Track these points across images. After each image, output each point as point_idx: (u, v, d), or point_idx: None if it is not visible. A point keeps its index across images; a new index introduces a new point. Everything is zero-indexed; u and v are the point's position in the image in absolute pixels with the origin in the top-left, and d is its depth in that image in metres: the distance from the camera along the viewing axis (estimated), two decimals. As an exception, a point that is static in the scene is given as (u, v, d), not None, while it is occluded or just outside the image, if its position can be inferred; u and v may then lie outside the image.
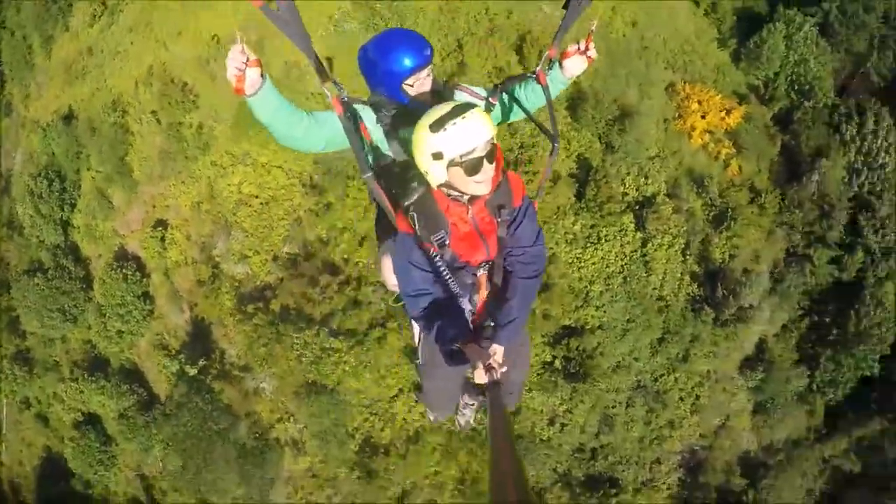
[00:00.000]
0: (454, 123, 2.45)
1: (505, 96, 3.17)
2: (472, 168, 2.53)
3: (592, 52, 2.95)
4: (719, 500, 15.41)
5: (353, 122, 2.78)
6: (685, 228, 14.27)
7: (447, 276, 2.89)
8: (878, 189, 16.48)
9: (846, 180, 16.49)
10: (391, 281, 3.15)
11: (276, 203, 13.29)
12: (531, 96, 3.17)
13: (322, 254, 12.99)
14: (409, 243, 2.80)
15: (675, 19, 16.68)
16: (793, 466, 16.43)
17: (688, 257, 14.41)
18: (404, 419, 13.10)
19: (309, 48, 2.29)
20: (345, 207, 12.93)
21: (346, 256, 12.95)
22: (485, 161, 2.53)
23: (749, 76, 17.17)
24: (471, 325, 3.06)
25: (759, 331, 15.53)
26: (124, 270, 14.27)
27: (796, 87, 17.34)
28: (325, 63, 2.52)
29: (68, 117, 15.84)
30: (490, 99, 3.11)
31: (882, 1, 18.74)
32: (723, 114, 15.69)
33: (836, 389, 16.38)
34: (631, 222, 13.74)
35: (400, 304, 3.19)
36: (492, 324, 2.99)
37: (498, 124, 3.00)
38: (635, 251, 13.76)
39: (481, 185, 2.61)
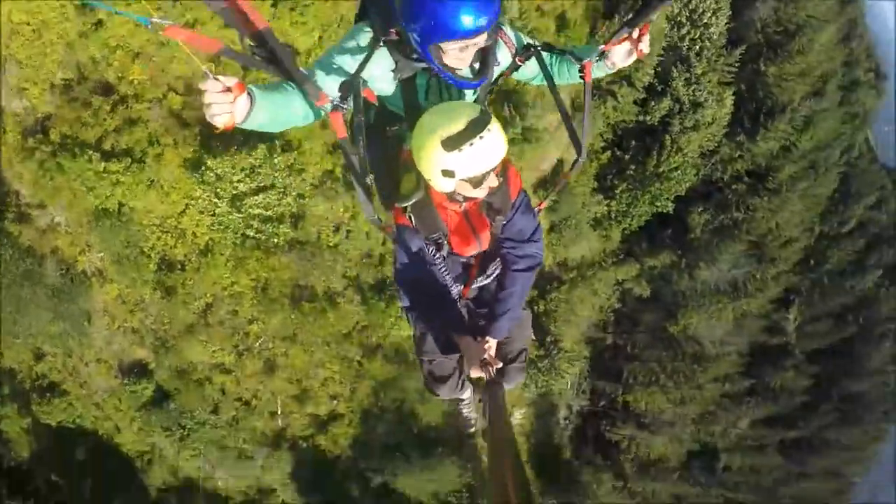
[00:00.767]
0: (471, 145, 2.35)
1: (535, 63, 2.85)
2: (479, 182, 2.52)
3: (645, 46, 2.61)
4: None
5: (358, 142, 2.52)
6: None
7: (443, 270, 2.93)
8: (697, 47, 17.46)
9: (666, 33, 17.47)
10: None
11: (48, 28, 13.36)
12: (563, 74, 2.95)
13: (95, 75, 13.33)
14: (409, 234, 2.82)
15: None
16: (585, 284, 18.33)
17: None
18: (193, 233, 13.97)
19: (297, 72, 2.03)
20: (115, 24, 13.09)
21: (120, 75, 13.29)
22: (492, 173, 2.52)
23: None
24: (464, 317, 3.10)
25: (554, 155, 16.94)
26: None
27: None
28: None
29: None
30: (518, 59, 2.84)
31: None
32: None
33: (630, 220, 18.13)
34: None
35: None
36: (483, 320, 3.03)
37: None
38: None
39: (483, 190, 2.62)
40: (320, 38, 12.86)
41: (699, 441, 24.16)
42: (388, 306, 14.90)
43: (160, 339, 14.90)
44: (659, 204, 17.08)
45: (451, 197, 2.72)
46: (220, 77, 1.93)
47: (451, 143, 2.36)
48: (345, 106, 2.36)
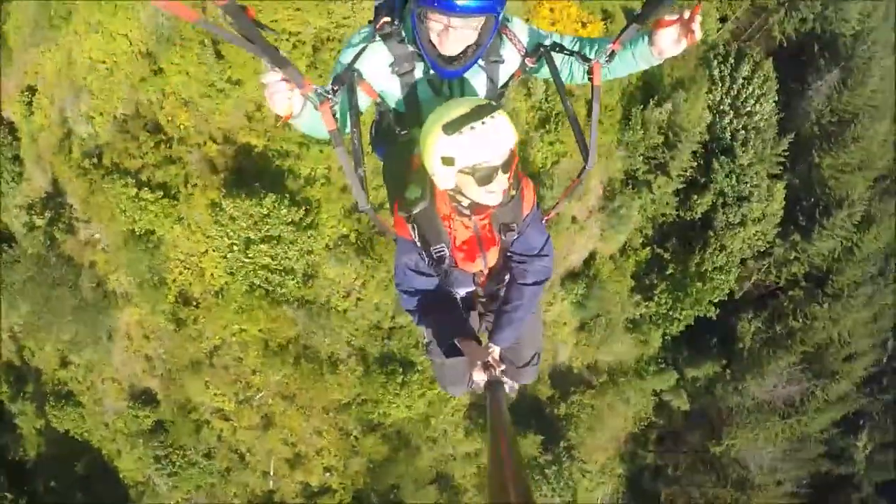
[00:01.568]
0: (472, 128, 2.23)
1: (545, 63, 2.70)
2: (485, 179, 2.35)
3: (697, 30, 2.30)
4: (521, 402, 15.94)
5: (350, 136, 2.52)
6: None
7: (443, 280, 2.87)
8: (742, 136, 16.50)
9: (708, 122, 16.51)
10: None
11: (118, 68, 14.69)
12: (579, 75, 2.78)
13: (149, 114, 14.29)
14: (408, 247, 2.76)
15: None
16: (616, 391, 16.79)
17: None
18: (211, 274, 14.25)
19: (275, 53, 1.93)
20: (172, 72, 14.10)
21: (169, 118, 14.19)
22: (500, 171, 2.35)
23: (621, -6, 17.12)
24: (466, 319, 3.06)
25: (585, 244, 15.92)
26: (-1, 136, 15.81)
27: (673, 17, 17.39)
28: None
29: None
30: (527, 60, 2.71)
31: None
32: (577, 25, 16.02)
33: (671, 324, 16.65)
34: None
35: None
36: (488, 326, 3.00)
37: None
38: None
39: (492, 195, 2.44)
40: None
41: None
42: (387, 381, 14.25)
43: (169, 371, 15.06)
44: (702, 308, 15.32)
45: (459, 208, 2.57)
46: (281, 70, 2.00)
47: (452, 126, 2.23)
48: (330, 96, 2.28)
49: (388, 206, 3.11)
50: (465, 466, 16.08)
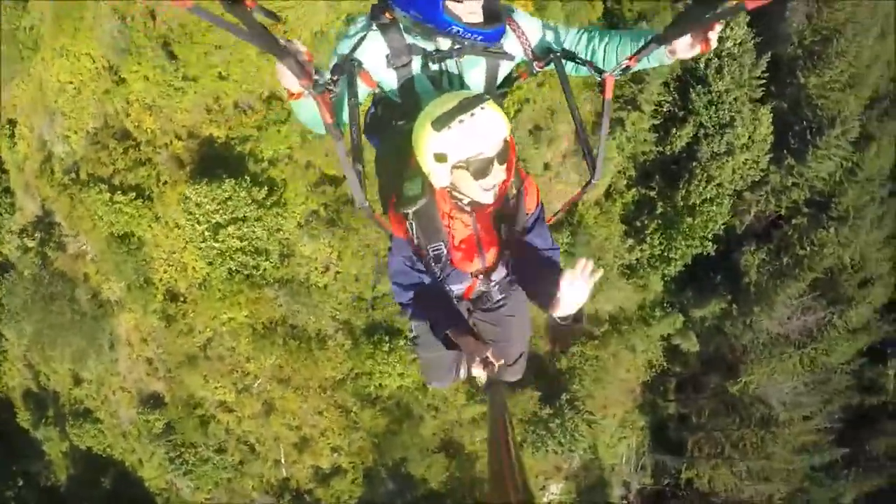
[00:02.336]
0: (461, 121, 2.22)
1: (553, 66, 2.67)
2: (480, 171, 2.34)
3: (714, 38, 2.22)
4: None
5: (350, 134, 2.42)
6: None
7: (440, 276, 2.84)
8: (714, 64, 16.13)
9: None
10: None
11: (85, 85, 15.33)
12: (581, 68, 2.72)
13: (116, 124, 14.86)
14: (404, 246, 2.74)
15: None
16: (620, 340, 16.47)
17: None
18: (193, 268, 14.61)
19: (274, 43, 1.87)
20: (134, 80, 14.61)
21: (136, 124, 14.70)
22: (495, 163, 2.33)
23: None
24: (462, 315, 3.04)
25: (564, 192, 15.69)
26: (-15, 171, 16.81)
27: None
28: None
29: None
30: (536, 64, 2.68)
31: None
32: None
33: (668, 265, 16.29)
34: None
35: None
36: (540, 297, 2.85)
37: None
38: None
39: (489, 192, 2.44)
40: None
41: None
42: (375, 351, 14.31)
43: (169, 371, 15.44)
44: (695, 243, 14.85)
45: (458, 202, 2.56)
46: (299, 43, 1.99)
47: (441, 122, 2.23)
48: (331, 87, 2.20)
49: (378, 197, 3.09)
50: (472, 432, 15.93)
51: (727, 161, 15.88)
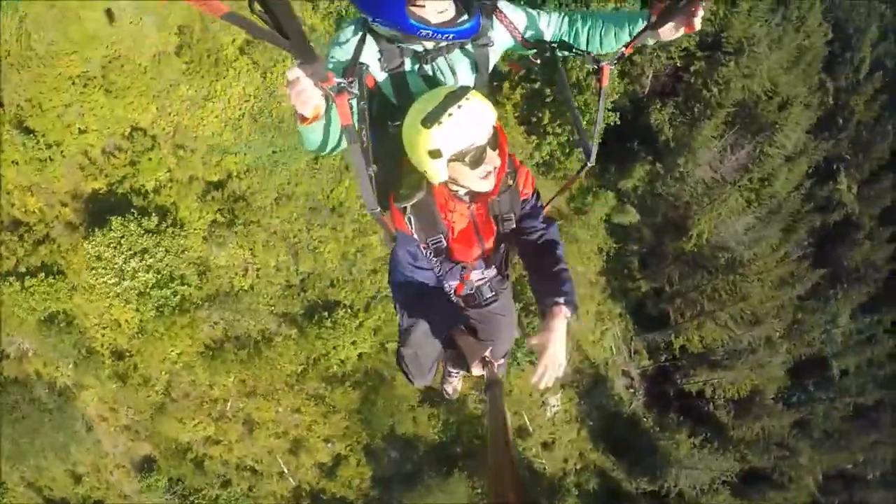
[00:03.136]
0: (450, 115, 2.24)
1: (547, 56, 2.74)
2: (476, 160, 2.37)
3: (697, 23, 2.36)
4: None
5: (360, 135, 2.37)
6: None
7: (438, 272, 2.88)
8: None
9: None
10: None
11: (-34, 196, 15.40)
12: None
13: (4, 216, 14.93)
14: (406, 240, 2.74)
15: None
16: (560, 234, 16.13)
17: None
18: (126, 320, 14.64)
19: (307, 48, 1.78)
20: (5, 169, 14.61)
21: (22, 209, 14.77)
22: (487, 149, 2.38)
23: None
24: (460, 314, 3.05)
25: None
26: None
27: None
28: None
29: None
30: (532, 58, 2.80)
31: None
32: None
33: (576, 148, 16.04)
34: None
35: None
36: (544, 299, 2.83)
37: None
38: (258, 88, 14.57)
39: (486, 180, 2.47)
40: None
41: (799, 356, 20.59)
42: (320, 330, 14.24)
43: (146, 429, 15.40)
44: (591, 113, 14.61)
45: (456, 194, 2.59)
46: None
47: (430, 119, 2.24)
48: (352, 89, 2.18)
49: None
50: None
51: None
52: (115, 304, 14.47)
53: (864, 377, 22.38)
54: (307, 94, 1.95)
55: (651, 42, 2.56)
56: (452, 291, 3.10)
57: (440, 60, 2.57)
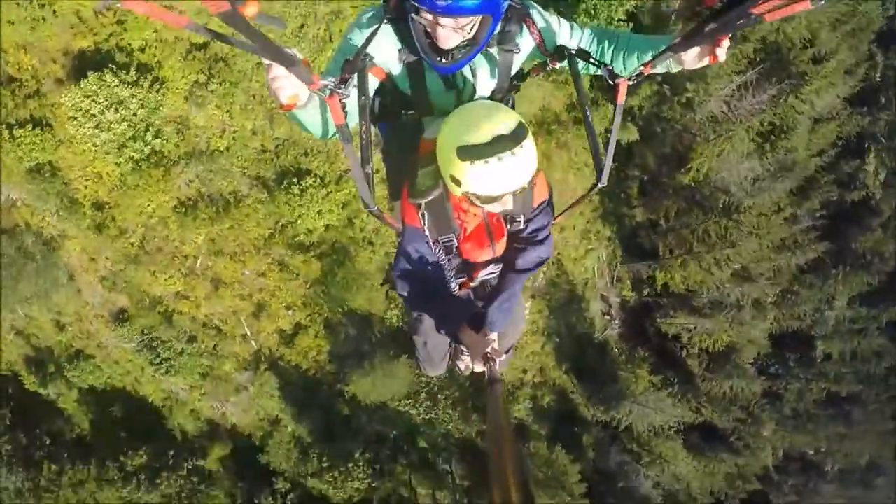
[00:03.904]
0: (486, 162, 2.12)
1: (566, 64, 2.62)
2: (489, 201, 2.33)
3: (723, 53, 2.22)
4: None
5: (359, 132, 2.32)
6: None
7: (449, 271, 2.86)
8: None
9: None
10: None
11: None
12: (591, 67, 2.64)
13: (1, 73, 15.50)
14: (415, 235, 2.70)
15: None
16: (550, 139, 16.50)
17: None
18: (107, 173, 15.34)
19: (280, 52, 1.76)
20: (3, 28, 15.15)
21: (16, 65, 15.34)
22: (507, 196, 2.29)
23: None
24: (464, 310, 3.07)
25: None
26: None
27: None
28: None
29: None
30: (550, 62, 2.65)
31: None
32: None
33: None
34: None
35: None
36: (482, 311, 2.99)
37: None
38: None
39: (495, 206, 2.43)
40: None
41: (787, 327, 20.29)
42: (288, 195, 14.83)
43: (124, 281, 16.19)
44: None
45: (470, 200, 2.49)
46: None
47: (465, 153, 2.14)
48: (341, 91, 2.07)
49: (387, 183, 3.14)
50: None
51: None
52: (97, 157, 15.14)
53: (846, 367, 22.01)
54: (279, 84, 1.90)
55: (675, 69, 2.45)
56: (459, 286, 3.06)
57: None
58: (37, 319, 18.11)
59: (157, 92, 14.38)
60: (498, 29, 2.45)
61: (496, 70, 2.63)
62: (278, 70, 1.83)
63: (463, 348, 3.90)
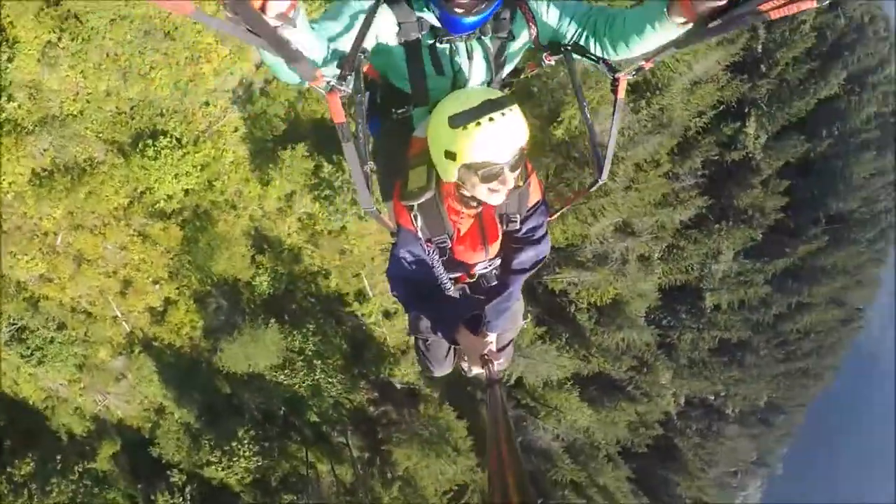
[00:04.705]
0: (478, 124, 2.06)
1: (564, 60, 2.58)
2: (490, 177, 2.21)
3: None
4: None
5: (357, 135, 2.28)
6: None
7: (442, 274, 2.76)
8: None
9: None
10: None
11: None
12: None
13: None
14: (409, 238, 2.62)
15: None
16: None
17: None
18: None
19: (286, 46, 1.64)
20: None
21: None
22: (506, 170, 2.20)
23: None
24: (461, 311, 2.93)
25: None
26: None
27: None
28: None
29: None
30: (545, 57, 2.61)
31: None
32: None
33: None
34: None
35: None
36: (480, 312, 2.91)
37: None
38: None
39: (495, 194, 2.30)
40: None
41: (674, 281, 21.29)
42: (142, 158, 14.01)
43: (-17, 265, 15.27)
44: None
45: (464, 199, 2.45)
46: None
47: (458, 120, 2.07)
48: (342, 87, 2.00)
49: (378, 184, 3.00)
50: (282, 222, 15.38)
51: None
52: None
53: (735, 315, 23.44)
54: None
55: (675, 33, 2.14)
56: (455, 280, 2.95)
57: (459, 44, 2.41)
58: None
59: (10, 56, 13.72)
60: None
61: (490, 58, 2.50)
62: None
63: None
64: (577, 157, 17.54)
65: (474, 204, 2.45)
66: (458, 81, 2.54)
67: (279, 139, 14.71)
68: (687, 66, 16.64)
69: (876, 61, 25.95)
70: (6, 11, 13.99)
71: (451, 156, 2.12)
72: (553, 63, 2.59)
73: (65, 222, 15.03)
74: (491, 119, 2.02)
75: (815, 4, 1.61)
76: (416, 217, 2.48)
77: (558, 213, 3.22)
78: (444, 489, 17.59)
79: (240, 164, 14.95)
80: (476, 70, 2.52)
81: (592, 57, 2.42)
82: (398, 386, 17.83)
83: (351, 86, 2.03)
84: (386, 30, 2.32)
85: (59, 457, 17.25)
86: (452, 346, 3.41)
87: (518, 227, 2.66)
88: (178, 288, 15.66)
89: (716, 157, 20.37)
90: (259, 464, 16.45)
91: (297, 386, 16.79)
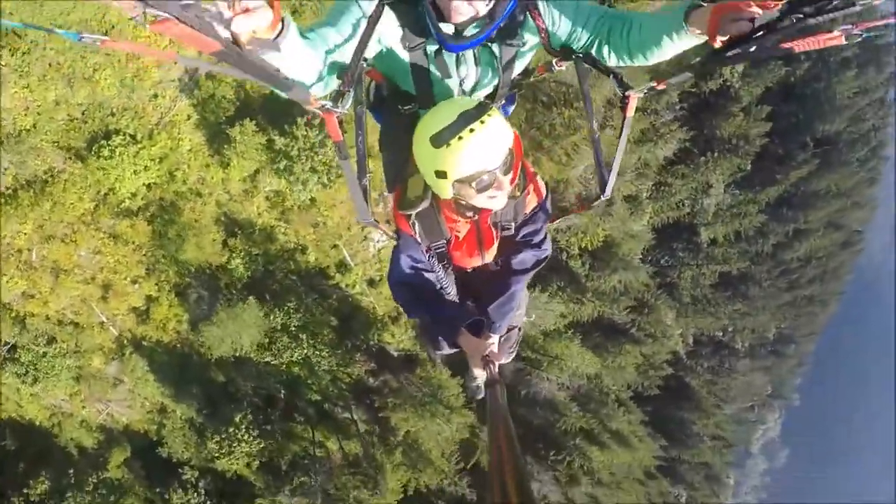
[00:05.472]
0: (459, 139, 2.04)
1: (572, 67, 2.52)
2: (485, 186, 2.17)
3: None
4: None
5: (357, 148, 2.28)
6: None
7: (442, 278, 2.78)
8: None
9: None
10: None
11: None
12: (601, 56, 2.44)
13: None
14: (409, 243, 2.62)
15: None
16: None
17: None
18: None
19: (277, 78, 1.61)
20: None
21: None
22: (498, 174, 2.17)
23: None
24: (463, 314, 2.90)
25: None
26: None
27: None
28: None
29: None
30: (556, 63, 2.55)
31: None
32: None
33: None
34: None
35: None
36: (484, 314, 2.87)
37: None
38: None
39: (495, 199, 2.26)
40: None
41: (666, 219, 20.87)
42: (98, 159, 14.00)
43: (-32, 289, 15.36)
44: None
45: (461, 208, 2.45)
46: None
47: (439, 139, 2.07)
48: (338, 109, 1.98)
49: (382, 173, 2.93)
50: (250, 203, 15.31)
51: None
52: None
53: (732, 248, 23.15)
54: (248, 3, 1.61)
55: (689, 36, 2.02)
56: (454, 282, 2.93)
57: (466, 51, 2.32)
58: None
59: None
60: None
61: (498, 64, 2.39)
62: None
63: (470, 374, 3.75)
64: (545, 100, 17.46)
65: (470, 213, 2.45)
66: (464, 85, 2.46)
67: (231, 120, 14.66)
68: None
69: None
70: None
71: (441, 175, 2.11)
72: (563, 69, 2.55)
73: (35, 236, 15.08)
74: (471, 130, 2.01)
75: (842, 41, 1.56)
76: (414, 224, 2.50)
77: (557, 220, 3.16)
78: (449, 450, 17.51)
79: (198, 151, 14.92)
80: (483, 75, 2.44)
81: (603, 68, 2.33)
82: (394, 353, 17.79)
83: (349, 104, 2.00)
84: (389, 35, 2.22)
85: (71, 471, 17.36)
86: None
87: (513, 233, 2.65)
88: (156, 284, 15.67)
89: (692, 90, 20.00)
90: (262, 446, 16.44)
91: (285, 365, 16.76)
